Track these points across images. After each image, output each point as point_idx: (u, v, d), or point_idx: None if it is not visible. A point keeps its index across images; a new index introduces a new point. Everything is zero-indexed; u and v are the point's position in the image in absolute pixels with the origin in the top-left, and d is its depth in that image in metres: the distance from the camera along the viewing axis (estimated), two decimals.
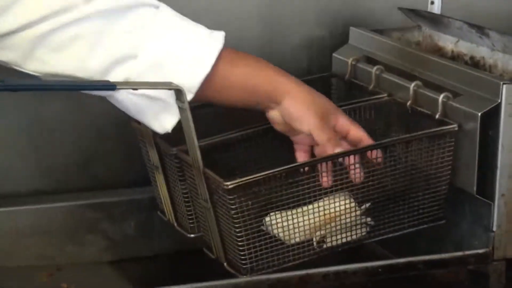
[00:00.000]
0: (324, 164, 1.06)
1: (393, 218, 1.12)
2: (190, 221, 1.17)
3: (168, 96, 1.06)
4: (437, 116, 1.14)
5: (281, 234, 1.08)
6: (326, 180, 1.06)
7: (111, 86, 1.03)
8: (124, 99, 1.06)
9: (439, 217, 1.15)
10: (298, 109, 1.08)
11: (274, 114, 1.11)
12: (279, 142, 1.16)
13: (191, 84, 1.05)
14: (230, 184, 1.03)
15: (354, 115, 1.18)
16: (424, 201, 1.13)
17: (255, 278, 1.06)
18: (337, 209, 1.09)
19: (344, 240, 1.11)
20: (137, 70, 1.05)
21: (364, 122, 1.17)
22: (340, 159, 1.08)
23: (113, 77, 1.04)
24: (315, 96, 1.10)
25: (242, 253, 1.06)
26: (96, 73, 1.04)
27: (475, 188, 1.13)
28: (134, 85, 1.05)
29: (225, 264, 1.10)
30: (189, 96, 1.05)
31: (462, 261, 1.13)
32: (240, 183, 1.04)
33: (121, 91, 1.05)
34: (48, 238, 1.28)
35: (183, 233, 1.19)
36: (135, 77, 1.05)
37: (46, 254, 1.29)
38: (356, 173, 1.08)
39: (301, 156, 1.13)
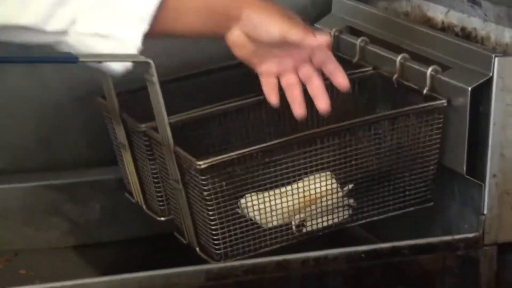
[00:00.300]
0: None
1: (377, 200, 1.11)
2: (160, 203, 1.15)
3: (121, 30, 1.03)
4: (425, 91, 1.12)
5: (257, 217, 1.06)
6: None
7: (73, 59, 1.01)
8: (75, 43, 1.04)
9: (427, 199, 1.14)
10: (262, 15, 1.07)
11: (235, 35, 1.08)
12: (258, 119, 1.15)
13: (144, 12, 1.03)
14: (202, 164, 1.01)
15: (336, 90, 1.14)
16: (410, 182, 1.12)
17: (229, 264, 1.05)
18: (318, 190, 1.08)
19: (325, 223, 1.09)
20: (83, 8, 1.03)
21: (347, 97, 1.14)
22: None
23: (57, 20, 1.02)
24: (275, 4, 1.09)
25: (215, 237, 1.04)
26: (38, 18, 1.02)
27: (465, 168, 1.11)
28: (97, 58, 1.03)
29: (197, 249, 1.08)
30: (144, 28, 1.03)
31: (450, 246, 1.11)
32: (214, 162, 1.02)
33: (70, 33, 1.02)
34: (5, 221, 1.27)
35: (153, 216, 1.18)
36: (81, 16, 1.02)
37: (3, 238, 1.27)
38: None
39: (269, 90, 1.11)
